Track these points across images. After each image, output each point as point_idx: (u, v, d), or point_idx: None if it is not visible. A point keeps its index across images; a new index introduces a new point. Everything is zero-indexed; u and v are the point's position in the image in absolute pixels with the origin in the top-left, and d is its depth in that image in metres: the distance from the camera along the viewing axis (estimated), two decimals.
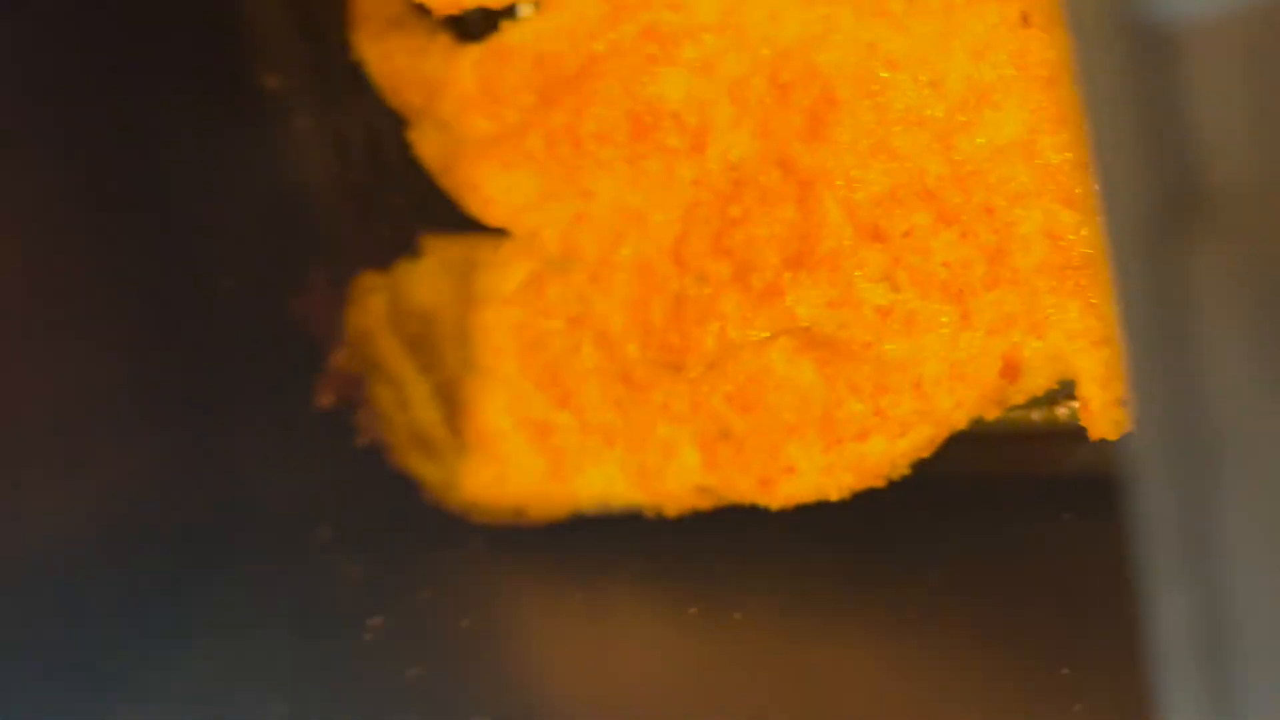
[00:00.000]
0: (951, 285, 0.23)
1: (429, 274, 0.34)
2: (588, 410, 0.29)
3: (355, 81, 0.35)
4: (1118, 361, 0.21)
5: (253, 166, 0.39)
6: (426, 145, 0.32)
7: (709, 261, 0.26)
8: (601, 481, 0.30)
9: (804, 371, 0.25)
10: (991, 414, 0.24)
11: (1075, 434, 0.25)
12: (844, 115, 0.23)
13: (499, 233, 0.32)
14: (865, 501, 0.25)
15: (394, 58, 0.32)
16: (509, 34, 0.29)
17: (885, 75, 0.22)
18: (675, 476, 0.28)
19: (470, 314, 0.32)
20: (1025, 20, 0.20)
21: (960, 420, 0.24)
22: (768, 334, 0.25)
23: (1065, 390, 0.25)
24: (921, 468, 0.25)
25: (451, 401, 0.33)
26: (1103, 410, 0.22)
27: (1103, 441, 0.23)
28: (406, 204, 0.37)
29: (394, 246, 0.36)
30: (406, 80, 0.32)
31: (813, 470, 0.25)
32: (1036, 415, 0.26)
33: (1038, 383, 0.23)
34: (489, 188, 0.31)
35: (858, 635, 0.26)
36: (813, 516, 0.26)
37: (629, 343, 0.28)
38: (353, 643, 0.30)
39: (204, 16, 0.36)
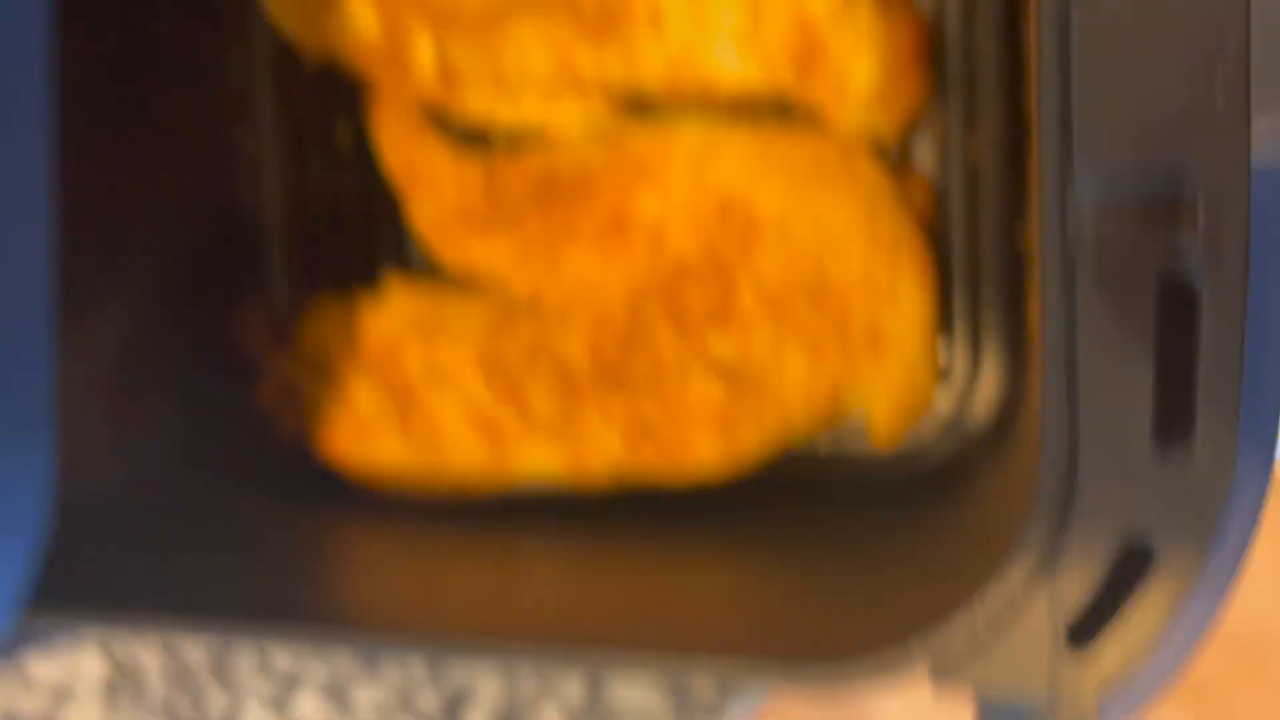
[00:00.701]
0: (810, 344, 0.39)
1: (390, 306, 0.45)
2: (535, 411, 0.42)
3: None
4: (895, 402, 0.38)
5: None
6: (417, 213, 0.44)
7: (655, 318, 0.41)
8: (536, 465, 0.42)
9: (715, 391, 0.40)
10: (818, 429, 0.40)
11: (843, 460, 0.42)
12: (765, 242, 0.39)
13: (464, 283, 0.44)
14: (736, 486, 0.41)
15: (407, 152, 0.44)
16: (521, 156, 0.42)
17: (794, 223, 0.39)
18: (600, 462, 0.41)
19: (432, 341, 0.43)
20: (874, 208, 0.39)
21: (799, 430, 0.40)
22: (692, 364, 0.40)
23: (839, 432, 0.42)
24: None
25: (402, 401, 0.44)
26: (883, 430, 0.40)
27: (858, 466, 0.41)
28: (357, 239, 0.47)
29: (346, 276, 0.46)
30: (416, 164, 0.44)
31: (709, 454, 0.40)
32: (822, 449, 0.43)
33: (846, 412, 0.40)
34: (472, 248, 0.43)
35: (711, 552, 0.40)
36: (701, 493, 0.41)
37: (581, 366, 0.42)
38: None
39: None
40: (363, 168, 0.45)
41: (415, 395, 0.43)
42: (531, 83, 0.41)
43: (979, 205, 0.39)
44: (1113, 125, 0.23)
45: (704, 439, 0.40)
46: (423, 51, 0.41)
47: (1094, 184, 0.24)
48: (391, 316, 0.44)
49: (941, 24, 0.39)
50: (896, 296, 0.38)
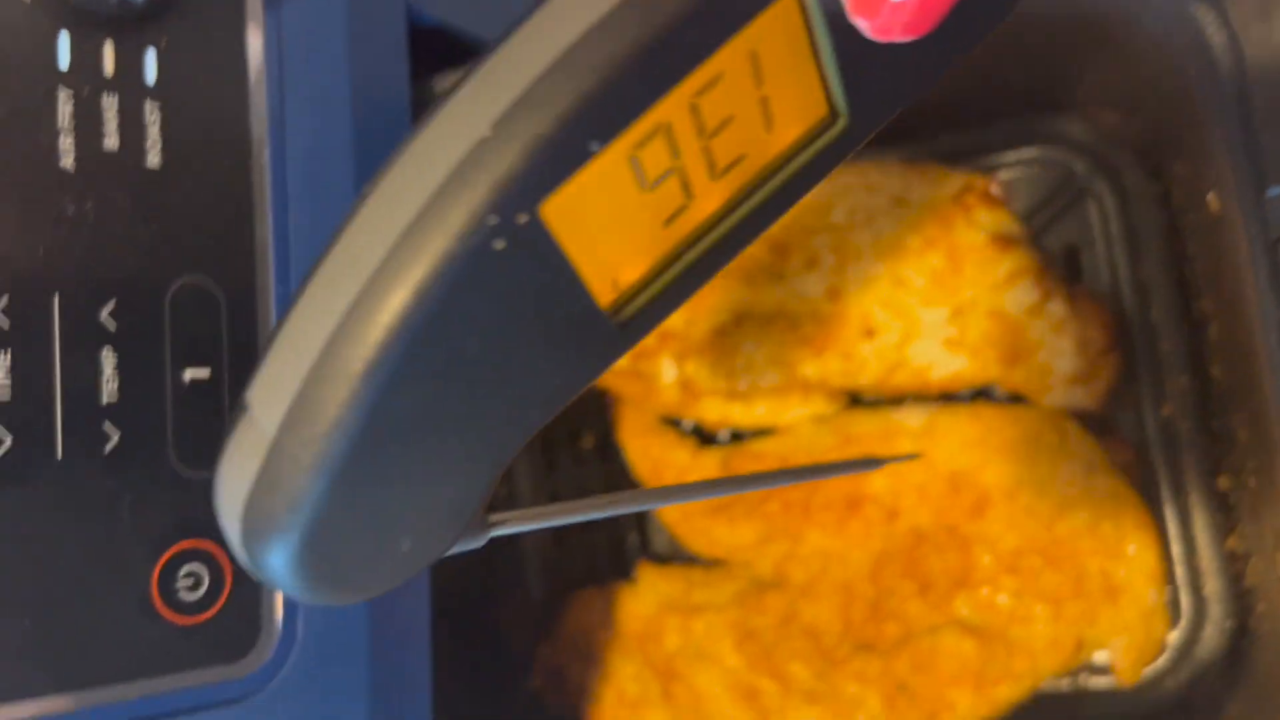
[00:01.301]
0: (1050, 597, 0.44)
1: (644, 591, 0.50)
2: (793, 678, 0.46)
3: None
4: (1134, 641, 0.43)
5: None
6: (664, 509, 0.50)
7: (898, 582, 0.46)
8: None
9: (966, 646, 0.44)
10: (1062, 673, 0.44)
11: (1085, 695, 0.46)
12: (995, 508, 0.45)
13: (710, 563, 0.50)
14: None
15: (651, 450, 0.50)
16: (756, 444, 0.49)
17: (1019, 489, 0.44)
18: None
19: (687, 619, 0.48)
20: (1090, 470, 0.44)
21: (1047, 676, 0.44)
22: (941, 624, 0.45)
23: (1083, 668, 0.46)
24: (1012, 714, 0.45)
25: (664, 678, 0.48)
26: (1126, 668, 0.43)
27: (1104, 700, 0.44)
28: (605, 535, 0.52)
29: (597, 570, 0.52)
30: (660, 463, 0.50)
31: (964, 707, 0.44)
32: (1066, 685, 0.47)
33: (1089, 654, 0.44)
34: (717, 533, 0.49)
35: None
36: None
37: (832, 632, 0.46)
38: None
39: None
40: (605, 467, 0.52)
41: (676, 671, 0.48)
42: (761, 390, 0.48)
43: (1181, 458, 0.44)
44: None
45: (960, 693, 0.44)
46: (666, 371, 0.48)
47: None
48: (646, 600, 0.49)
49: (1122, 308, 0.45)
50: (1123, 547, 0.43)
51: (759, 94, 0.18)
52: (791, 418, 0.48)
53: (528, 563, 0.52)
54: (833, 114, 0.19)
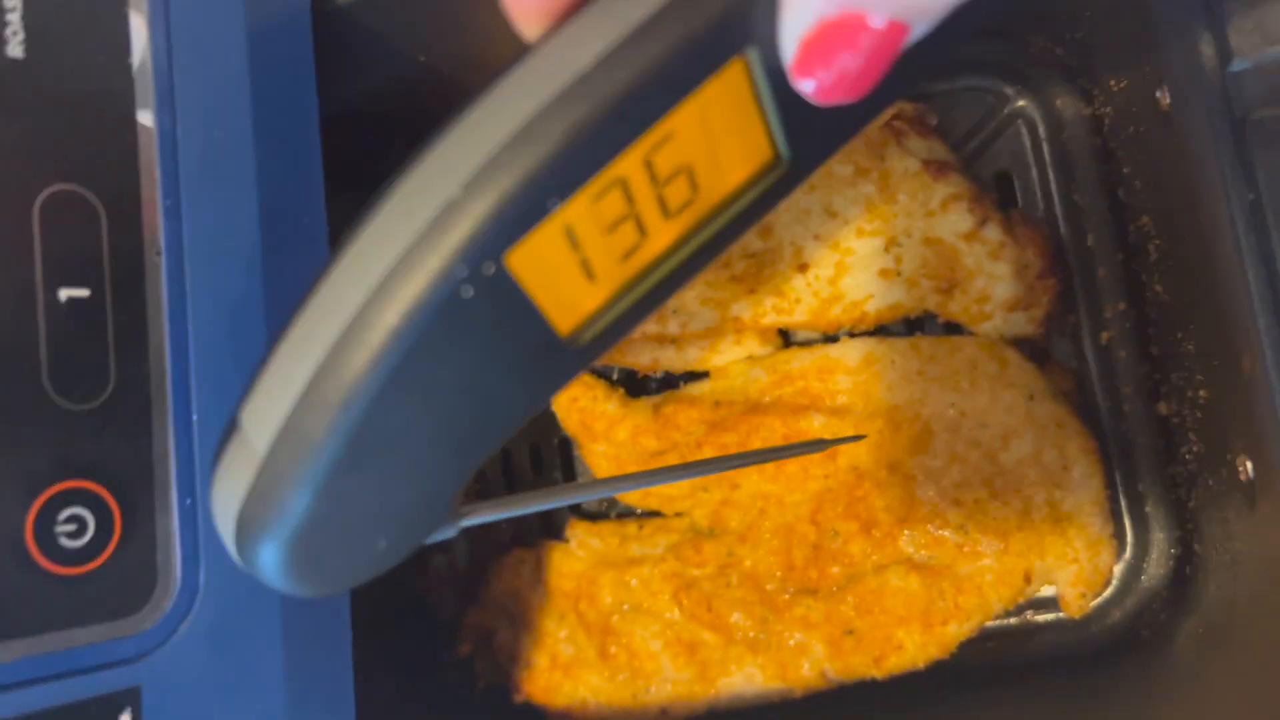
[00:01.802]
0: (996, 530, 0.43)
1: (577, 549, 0.47)
2: (733, 627, 0.44)
3: None
4: (1081, 572, 0.42)
5: None
6: (595, 460, 0.47)
7: (840, 522, 0.44)
8: (741, 679, 0.44)
9: (912, 583, 0.43)
10: (1011, 607, 0.43)
11: (1035, 630, 0.44)
12: (936, 441, 0.43)
13: (644, 516, 0.47)
14: (935, 668, 0.43)
15: (579, 402, 0.48)
16: (690, 389, 0.47)
17: (960, 420, 0.43)
18: (806, 667, 0.43)
19: (623, 574, 0.46)
20: (1031, 397, 0.43)
21: (996, 612, 0.43)
22: (885, 563, 0.43)
23: (1030, 603, 0.45)
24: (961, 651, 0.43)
25: (599, 636, 0.45)
26: (1074, 600, 0.42)
27: (1052, 632, 0.43)
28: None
29: (525, 532, 0.49)
30: (589, 415, 0.47)
31: (913, 647, 0.42)
32: (1014, 620, 0.46)
33: (1038, 588, 0.43)
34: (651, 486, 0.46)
35: None
36: (903, 679, 0.43)
37: (772, 578, 0.44)
38: None
39: None
40: (531, 424, 0.49)
41: (612, 629, 0.45)
42: (693, 332, 0.45)
43: (1120, 385, 0.44)
44: None
45: (908, 633, 0.42)
46: None
47: None
48: (579, 558, 0.47)
49: (1057, 233, 0.44)
50: (1068, 475, 0.42)
51: (708, 146, 0.20)
52: (725, 359, 0.46)
53: None
54: (777, 157, 0.21)
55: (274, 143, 0.31)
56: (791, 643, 0.43)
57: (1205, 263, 0.31)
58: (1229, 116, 0.27)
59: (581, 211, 0.19)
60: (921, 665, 0.42)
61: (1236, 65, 0.26)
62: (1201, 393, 0.37)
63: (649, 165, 0.19)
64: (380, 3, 0.36)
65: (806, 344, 0.46)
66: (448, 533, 0.23)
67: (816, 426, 0.44)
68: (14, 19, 0.27)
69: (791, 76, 0.17)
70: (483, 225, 0.18)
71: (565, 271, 0.20)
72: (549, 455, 0.49)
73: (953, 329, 0.44)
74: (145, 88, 0.29)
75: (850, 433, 0.44)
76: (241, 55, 0.31)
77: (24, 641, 0.26)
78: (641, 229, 0.20)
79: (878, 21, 0.16)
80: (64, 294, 0.27)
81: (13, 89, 0.27)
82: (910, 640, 0.42)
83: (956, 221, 0.43)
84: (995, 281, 0.42)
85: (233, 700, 0.29)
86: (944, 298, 0.43)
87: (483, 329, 0.19)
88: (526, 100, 0.18)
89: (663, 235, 0.21)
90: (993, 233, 0.43)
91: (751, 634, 0.44)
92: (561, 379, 0.22)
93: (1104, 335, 0.44)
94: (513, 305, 0.19)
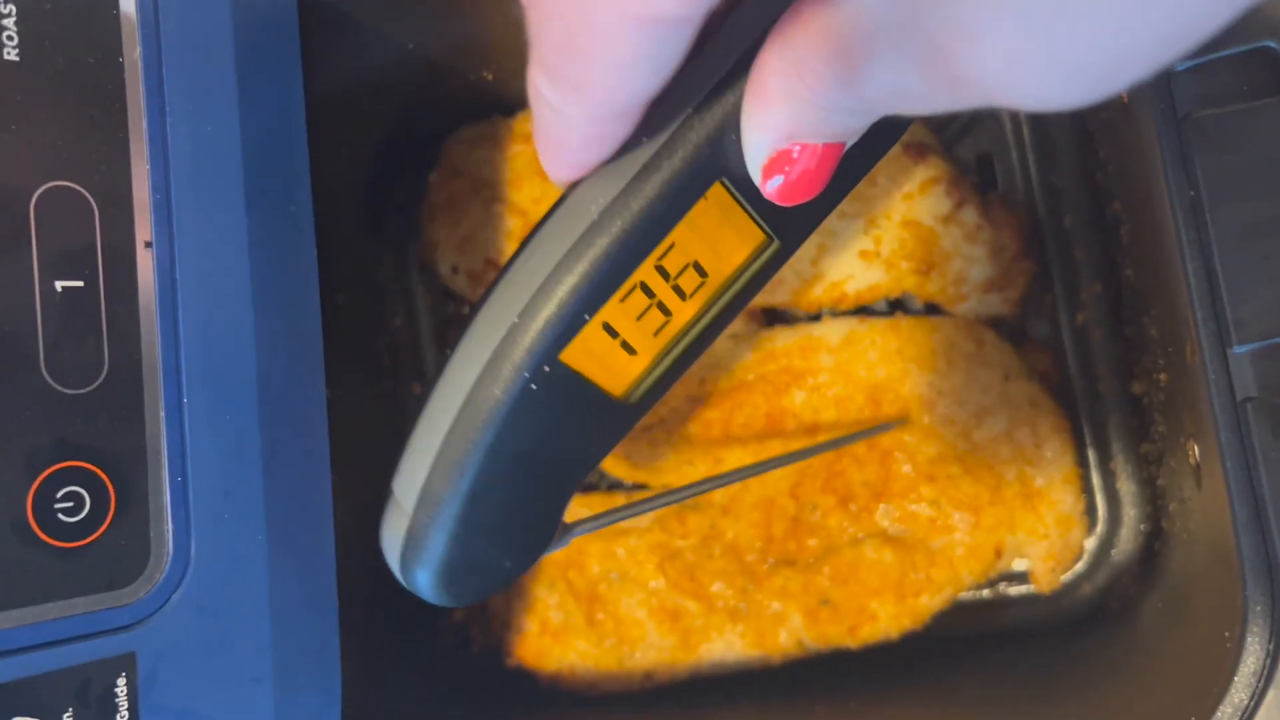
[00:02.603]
0: (968, 505, 0.44)
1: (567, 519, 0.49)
2: (714, 597, 0.46)
3: None
4: (1052, 548, 0.43)
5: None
6: None
7: (819, 496, 0.45)
8: (722, 646, 0.46)
9: (886, 556, 0.44)
10: (982, 581, 0.44)
11: (1005, 603, 0.46)
12: (913, 418, 0.44)
13: (631, 488, 0.49)
14: (909, 639, 0.44)
15: None
16: None
17: (938, 399, 0.44)
18: (784, 636, 0.45)
19: (610, 544, 0.48)
20: (1006, 377, 0.44)
21: (968, 585, 0.44)
22: (861, 535, 0.45)
23: (1002, 577, 0.46)
24: (934, 622, 0.45)
25: (586, 604, 0.47)
26: (1044, 575, 0.44)
27: (1023, 605, 0.45)
28: None
29: None
30: None
31: (886, 617, 0.44)
32: (987, 593, 0.47)
33: (1009, 562, 0.44)
34: (638, 457, 0.48)
35: (901, 709, 0.43)
36: (877, 649, 0.44)
37: (753, 550, 0.46)
38: None
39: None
40: None
41: (599, 597, 0.47)
42: None
43: (1095, 365, 0.45)
44: (1259, 303, 0.29)
45: (882, 604, 0.44)
46: None
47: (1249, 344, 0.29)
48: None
49: (1035, 216, 0.45)
50: (1040, 452, 0.43)
51: (707, 244, 0.25)
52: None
53: None
54: (768, 239, 0.25)
55: (261, 136, 0.33)
56: (770, 612, 0.45)
57: (1159, 252, 0.32)
58: (1172, 115, 0.27)
59: (613, 311, 0.24)
60: (895, 635, 0.44)
61: (1180, 65, 0.27)
62: (1162, 376, 0.38)
63: (660, 268, 0.24)
64: None
65: (789, 323, 0.47)
66: (562, 545, 0.29)
67: (798, 403, 0.46)
68: (9, 24, 0.28)
69: (760, 188, 0.21)
70: (536, 341, 0.23)
71: (610, 353, 0.25)
72: None
73: (931, 309, 0.45)
74: (135, 86, 0.30)
75: (832, 410, 0.45)
76: (228, 51, 0.32)
77: (26, 610, 0.28)
78: (665, 311, 0.25)
79: (817, 143, 0.20)
80: (59, 285, 0.29)
81: (9, 91, 0.28)
82: (884, 610, 0.44)
83: (935, 204, 0.44)
84: (972, 263, 0.43)
85: (223, 665, 0.31)
86: (922, 279, 0.44)
87: (555, 404, 0.25)
88: (558, 244, 0.23)
89: (684, 312, 0.26)
90: (970, 215, 0.43)
91: (732, 603, 0.45)
92: (625, 427, 0.27)
93: (1080, 316, 0.45)
94: (573, 384, 0.25)
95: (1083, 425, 0.45)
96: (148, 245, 0.30)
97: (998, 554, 0.44)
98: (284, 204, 0.34)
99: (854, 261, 0.44)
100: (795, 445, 0.46)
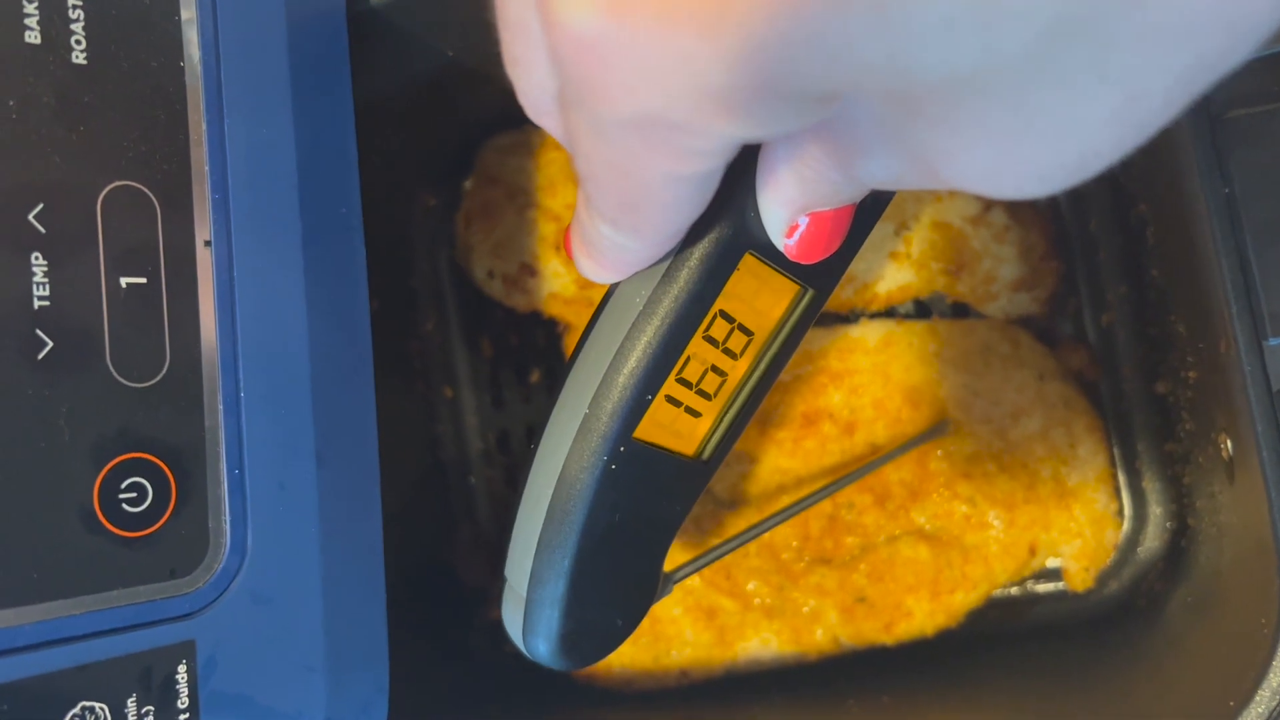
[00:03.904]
0: (1003, 503, 0.44)
1: None
2: (750, 594, 0.46)
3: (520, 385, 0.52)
4: (1085, 547, 0.43)
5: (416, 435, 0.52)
6: None
7: (855, 495, 0.46)
8: (757, 643, 0.46)
9: (922, 553, 0.45)
10: (1017, 579, 0.45)
11: (1035, 600, 0.46)
12: (950, 419, 0.45)
13: None
14: (949, 636, 0.45)
15: None
16: None
17: (974, 399, 0.45)
18: (819, 633, 0.46)
19: None
20: (1041, 377, 0.45)
21: (1002, 582, 0.45)
22: (898, 534, 0.45)
23: (1035, 575, 0.47)
24: (968, 619, 0.45)
25: None
26: (1077, 573, 0.44)
27: (1051, 601, 0.45)
28: None
29: None
30: None
31: (922, 614, 0.45)
32: (1015, 589, 0.48)
33: (1043, 561, 0.45)
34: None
35: (933, 704, 0.44)
36: (911, 646, 0.45)
37: (788, 548, 0.46)
38: None
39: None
40: (535, 409, 0.51)
41: None
42: None
43: (1120, 365, 0.45)
44: None
45: (917, 601, 0.44)
46: None
47: None
48: None
49: (1060, 219, 0.46)
50: (1074, 452, 0.44)
51: (747, 305, 0.26)
52: None
53: (478, 502, 0.52)
54: (802, 289, 0.27)
55: (313, 139, 0.34)
56: (806, 609, 0.46)
57: (1189, 250, 0.32)
58: (1206, 114, 0.28)
59: (672, 385, 0.26)
60: (930, 633, 0.44)
61: None
62: (1191, 373, 0.39)
63: (709, 338, 0.26)
64: (410, 2, 0.39)
65: (823, 324, 0.47)
66: (666, 593, 0.31)
67: (835, 403, 0.46)
68: (77, 29, 0.29)
69: (787, 254, 0.23)
70: (607, 428, 0.26)
71: (676, 420, 0.27)
72: None
73: (959, 309, 0.46)
74: (195, 90, 0.31)
75: (869, 410, 0.46)
76: (282, 57, 0.33)
77: (93, 597, 0.29)
78: (720, 372, 0.27)
79: (828, 209, 0.22)
80: (124, 281, 0.30)
81: (78, 93, 0.29)
82: (919, 608, 0.44)
83: (963, 205, 0.44)
84: (1001, 263, 0.44)
85: (278, 653, 0.32)
86: (952, 279, 0.45)
87: (635, 477, 0.27)
88: (612, 336, 0.26)
89: (737, 369, 0.27)
90: (998, 216, 0.44)
91: (768, 601, 0.46)
92: (703, 481, 0.29)
93: (1105, 317, 0.45)
94: (649, 456, 0.27)
95: (1108, 425, 0.45)
96: (207, 244, 0.31)
97: (1032, 552, 0.44)
98: (336, 205, 0.34)
99: (884, 263, 0.45)
100: (831, 447, 0.46)
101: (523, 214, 0.49)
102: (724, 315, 0.26)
